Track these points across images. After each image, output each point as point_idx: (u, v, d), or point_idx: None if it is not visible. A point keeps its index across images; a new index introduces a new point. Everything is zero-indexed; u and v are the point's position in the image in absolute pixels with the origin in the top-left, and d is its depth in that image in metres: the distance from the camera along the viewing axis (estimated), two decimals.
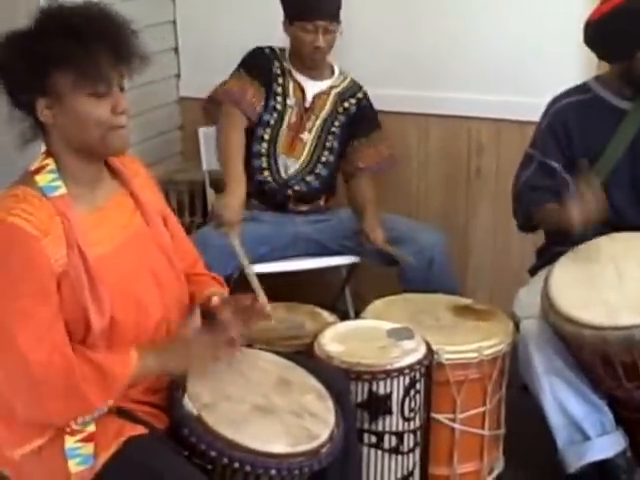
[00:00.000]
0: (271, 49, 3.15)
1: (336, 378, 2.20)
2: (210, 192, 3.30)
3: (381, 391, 2.34)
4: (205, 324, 2.08)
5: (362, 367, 2.32)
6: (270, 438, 1.85)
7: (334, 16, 3.03)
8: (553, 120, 2.73)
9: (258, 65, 3.11)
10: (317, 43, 3.01)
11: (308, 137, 3.13)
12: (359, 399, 2.34)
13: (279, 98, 3.11)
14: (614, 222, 2.68)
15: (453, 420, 2.60)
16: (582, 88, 2.75)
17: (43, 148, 1.91)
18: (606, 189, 2.63)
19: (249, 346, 2.44)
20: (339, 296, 3.41)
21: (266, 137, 3.11)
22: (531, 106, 2.90)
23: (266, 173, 3.11)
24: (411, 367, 2.35)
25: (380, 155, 3.23)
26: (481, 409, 2.63)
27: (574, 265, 2.61)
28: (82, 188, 1.90)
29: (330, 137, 3.16)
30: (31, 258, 1.78)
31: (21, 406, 1.80)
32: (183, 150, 3.80)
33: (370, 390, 2.33)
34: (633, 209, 2.72)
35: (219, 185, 3.02)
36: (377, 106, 3.30)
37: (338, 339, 2.44)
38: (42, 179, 1.85)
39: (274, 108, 3.11)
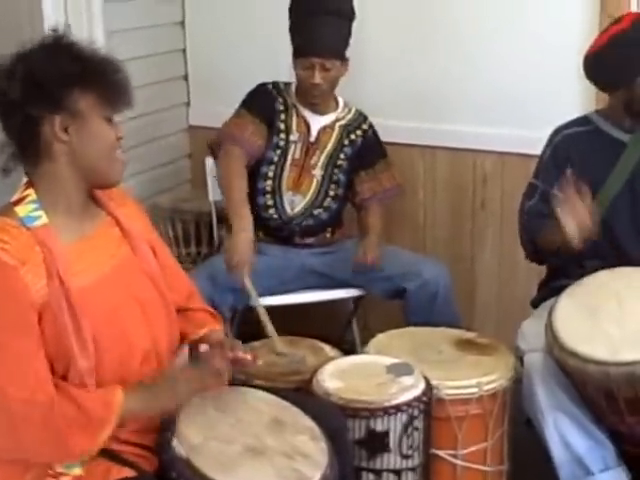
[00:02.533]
0: (274, 85, 3.16)
1: (333, 416, 2.19)
2: (216, 222, 3.31)
3: (379, 428, 2.33)
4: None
5: (359, 404, 2.32)
6: None
7: (332, 54, 3.02)
8: (555, 151, 2.74)
9: (260, 103, 3.12)
10: (312, 80, 3.03)
11: (314, 172, 3.14)
12: (357, 436, 2.33)
13: (282, 135, 3.12)
14: (615, 255, 2.68)
15: (455, 456, 2.58)
16: (583, 120, 2.76)
17: (24, 179, 1.90)
18: (606, 222, 2.64)
19: (244, 384, 2.44)
20: (346, 328, 3.41)
21: (270, 174, 3.12)
22: (534, 139, 2.90)
23: (271, 210, 3.12)
24: (409, 404, 2.34)
25: (384, 185, 3.24)
26: (483, 445, 2.61)
27: (577, 299, 2.59)
28: (67, 218, 1.90)
29: (337, 170, 3.17)
30: (9, 287, 1.76)
31: (2, 441, 1.78)
32: (192, 179, 3.82)
33: (368, 427, 2.32)
34: (633, 242, 2.70)
35: (225, 216, 3.04)
36: (384, 137, 3.33)
37: (337, 375, 2.43)
38: (22, 210, 1.85)
39: (277, 145, 3.12)
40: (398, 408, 2.32)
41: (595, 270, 2.63)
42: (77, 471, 1.83)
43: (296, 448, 1.94)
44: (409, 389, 2.37)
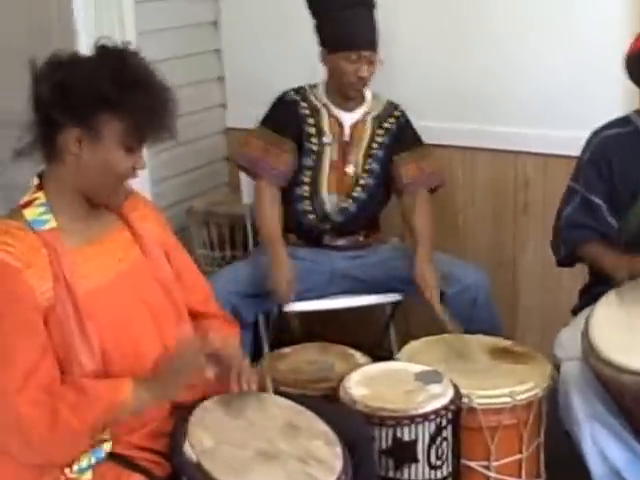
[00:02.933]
0: (297, 91, 3.09)
1: (356, 424, 2.14)
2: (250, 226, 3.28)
3: (406, 437, 2.26)
4: None
5: (385, 412, 2.26)
6: None
7: (375, 45, 2.97)
8: (595, 153, 2.64)
9: (281, 116, 3.06)
10: (361, 73, 2.95)
11: (353, 169, 3.07)
12: (383, 446, 2.27)
13: (313, 139, 3.05)
14: None
15: (487, 468, 2.50)
16: (623, 121, 2.65)
17: (35, 181, 1.89)
18: None
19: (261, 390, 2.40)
20: (384, 334, 3.34)
21: (306, 180, 3.05)
22: (577, 140, 2.77)
23: (311, 216, 3.06)
24: (437, 412, 2.27)
25: (425, 169, 3.14)
26: (517, 456, 2.53)
27: (616, 306, 2.48)
28: (76, 222, 1.88)
29: (370, 160, 3.09)
30: (13, 291, 1.76)
31: (14, 445, 1.77)
32: (229, 181, 3.78)
33: (394, 436, 2.26)
34: None
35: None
36: (423, 139, 3.23)
37: (364, 382, 2.37)
38: (30, 213, 1.84)
39: (311, 150, 3.05)
40: (425, 417, 2.25)
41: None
42: (88, 476, 1.81)
43: (310, 453, 1.89)
44: (437, 397, 2.29)
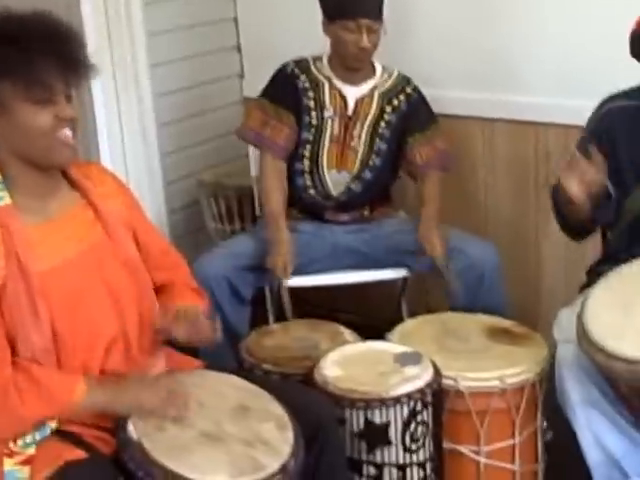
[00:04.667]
0: (298, 63, 3.00)
1: (323, 406, 2.06)
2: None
3: (377, 420, 2.19)
4: None
5: (356, 394, 2.18)
6: (211, 468, 1.75)
7: (377, 14, 2.85)
8: (598, 126, 2.49)
9: (280, 88, 2.98)
10: (361, 44, 2.84)
11: (357, 145, 2.97)
12: (355, 428, 2.20)
13: (313, 113, 2.96)
14: None
15: (477, 452, 2.41)
16: (633, 92, 2.48)
17: None
18: None
19: (251, 368, 2.38)
20: (397, 310, 3.24)
21: (307, 154, 2.97)
22: None
23: (312, 191, 2.98)
24: (410, 395, 2.18)
25: (440, 147, 3.03)
26: (510, 442, 2.43)
27: (614, 288, 2.34)
28: (32, 199, 1.86)
29: (378, 139, 2.98)
30: None
31: None
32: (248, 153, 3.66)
33: (366, 419, 2.19)
34: None
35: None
36: (438, 110, 3.11)
37: (340, 363, 2.30)
38: None
39: (310, 124, 2.96)
40: (398, 400, 2.17)
41: None
42: (31, 451, 1.80)
43: (258, 436, 1.84)
44: (412, 380, 2.21)
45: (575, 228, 2.55)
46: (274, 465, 1.79)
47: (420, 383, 2.21)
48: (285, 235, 2.85)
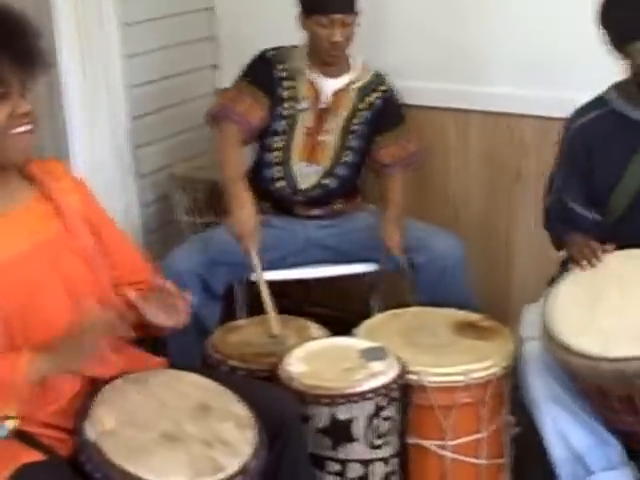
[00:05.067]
0: (276, 51, 2.98)
1: (286, 403, 2.06)
2: None
3: (341, 416, 2.19)
4: None
5: (321, 390, 2.19)
6: (169, 469, 1.74)
7: (350, 8, 2.85)
8: (572, 143, 2.51)
9: (258, 72, 2.96)
10: (334, 38, 2.83)
11: (329, 139, 2.96)
12: (319, 424, 2.20)
13: (286, 104, 2.94)
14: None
15: (442, 447, 2.42)
16: (598, 102, 2.49)
17: None
18: (632, 212, 2.43)
19: (218, 364, 2.38)
20: (366, 307, 3.23)
21: (277, 145, 2.96)
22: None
23: (281, 183, 2.96)
24: (375, 391, 2.19)
25: (409, 149, 3.03)
26: (475, 436, 2.44)
27: (579, 283, 2.37)
28: None
29: (351, 136, 2.98)
30: None
31: None
32: None
33: (331, 415, 2.19)
34: None
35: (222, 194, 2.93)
36: (412, 101, 3.12)
37: (305, 359, 2.31)
38: None
39: (282, 115, 2.94)
40: (362, 396, 2.18)
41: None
42: None
43: (218, 436, 1.84)
44: (377, 376, 2.22)
45: None
46: (234, 465, 1.78)
47: (385, 379, 2.21)
48: (247, 197, 2.80)
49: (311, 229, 2.98)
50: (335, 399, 2.17)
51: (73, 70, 3.14)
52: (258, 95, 2.93)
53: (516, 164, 3.21)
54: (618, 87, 2.47)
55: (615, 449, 2.35)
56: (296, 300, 3.44)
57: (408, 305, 2.76)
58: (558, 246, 2.65)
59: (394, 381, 2.23)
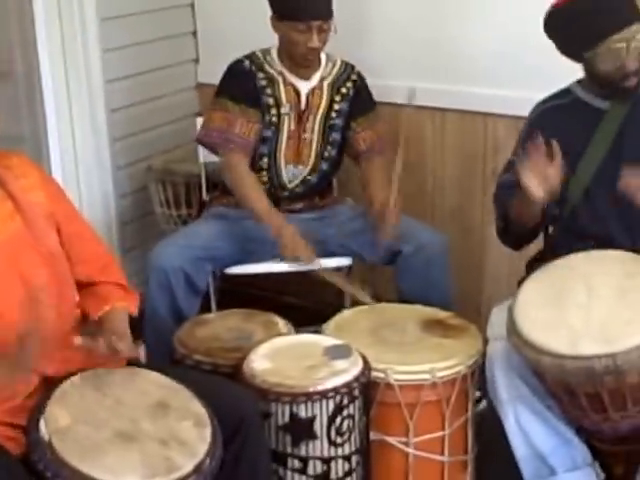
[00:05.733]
0: (251, 59, 2.94)
1: (246, 400, 2.08)
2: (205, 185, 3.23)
3: (303, 414, 2.20)
4: None
5: (282, 388, 2.19)
6: (122, 469, 1.75)
7: (328, 13, 2.82)
8: (531, 127, 2.53)
9: (240, 86, 2.90)
10: (311, 44, 2.81)
11: (311, 138, 2.97)
12: (281, 421, 2.21)
13: (273, 110, 2.93)
14: (596, 233, 2.47)
15: (406, 444, 2.43)
16: (563, 93, 2.55)
17: None
18: (588, 195, 2.46)
19: (183, 358, 2.39)
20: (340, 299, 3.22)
21: (265, 151, 2.95)
22: None
23: (267, 186, 2.97)
24: (336, 390, 2.19)
25: (379, 134, 3.04)
26: (439, 433, 2.46)
27: (545, 282, 2.38)
28: None
29: (331, 130, 2.99)
30: None
31: None
32: None
33: (291, 412, 2.20)
34: (615, 219, 2.47)
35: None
36: (389, 99, 3.13)
37: (269, 355, 2.31)
38: None
39: (270, 122, 2.93)
40: (323, 394, 2.18)
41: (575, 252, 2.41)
42: None
43: (174, 434, 1.85)
44: (339, 374, 2.22)
45: (520, 234, 2.59)
46: (188, 465, 1.79)
47: (348, 377, 2.22)
48: (290, 224, 2.81)
49: (295, 223, 2.93)
50: (296, 397, 2.18)
51: (53, 63, 3.16)
52: (247, 111, 2.89)
53: (491, 162, 3.21)
54: (582, 82, 2.53)
55: (579, 450, 2.37)
56: (274, 291, 3.48)
57: (391, 298, 2.82)
58: (504, 233, 2.64)
59: (356, 379, 2.23)
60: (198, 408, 1.93)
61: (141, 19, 3.36)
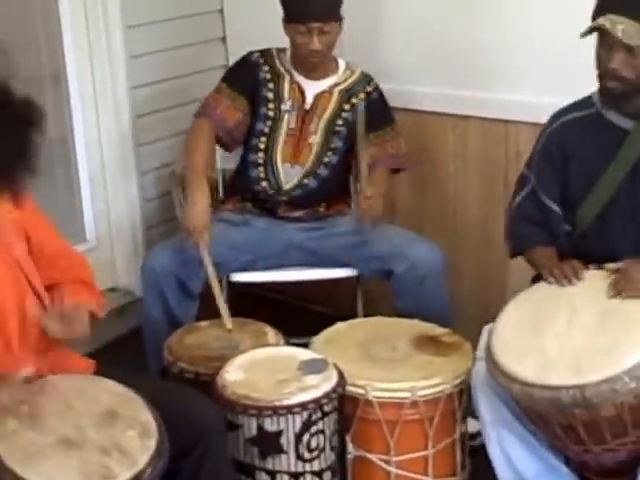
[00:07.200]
0: (263, 53, 2.99)
1: (207, 411, 2.07)
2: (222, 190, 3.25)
3: (269, 428, 2.18)
4: None
5: (249, 401, 2.18)
6: (60, 475, 1.77)
7: (329, 16, 2.82)
8: (549, 141, 2.42)
9: (240, 75, 2.99)
10: (311, 46, 2.83)
11: (314, 140, 2.96)
12: (247, 434, 2.21)
13: (271, 104, 2.96)
14: (605, 255, 2.31)
15: (387, 462, 2.39)
16: (585, 103, 2.40)
17: None
18: (604, 220, 2.34)
19: (168, 365, 2.43)
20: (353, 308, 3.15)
21: (262, 146, 2.97)
22: None
23: (264, 183, 2.97)
24: (304, 405, 2.17)
25: (389, 151, 3.00)
26: (422, 453, 2.40)
27: (530, 303, 2.30)
28: None
29: (334, 137, 2.97)
30: None
31: None
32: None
33: (259, 426, 2.19)
34: (630, 244, 2.33)
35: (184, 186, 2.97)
36: (411, 105, 3.10)
37: (245, 367, 2.30)
38: None
39: (267, 116, 2.96)
40: (289, 409, 2.16)
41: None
42: None
43: (117, 444, 1.85)
44: (308, 390, 2.19)
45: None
46: (126, 474, 1.79)
47: (317, 393, 2.19)
48: (205, 196, 2.81)
49: (292, 232, 2.96)
50: (262, 410, 2.17)
51: (79, 69, 3.23)
52: (236, 98, 2.96)
53: (513, 170, 3.11)
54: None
55: (566, 478, 2.28)
56: (293, 296, 3.49)
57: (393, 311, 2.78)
58: (514, 252, 2.58)
59: (326, 396, 2.20)
60: (147, 417, 1.93)
61: (169, 25, 3.39)
